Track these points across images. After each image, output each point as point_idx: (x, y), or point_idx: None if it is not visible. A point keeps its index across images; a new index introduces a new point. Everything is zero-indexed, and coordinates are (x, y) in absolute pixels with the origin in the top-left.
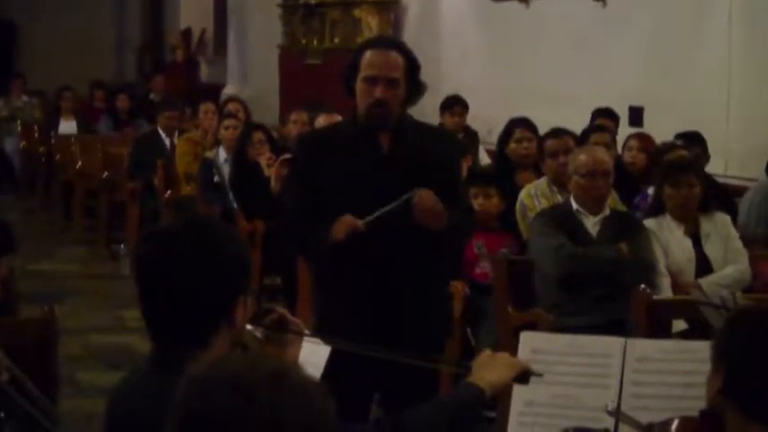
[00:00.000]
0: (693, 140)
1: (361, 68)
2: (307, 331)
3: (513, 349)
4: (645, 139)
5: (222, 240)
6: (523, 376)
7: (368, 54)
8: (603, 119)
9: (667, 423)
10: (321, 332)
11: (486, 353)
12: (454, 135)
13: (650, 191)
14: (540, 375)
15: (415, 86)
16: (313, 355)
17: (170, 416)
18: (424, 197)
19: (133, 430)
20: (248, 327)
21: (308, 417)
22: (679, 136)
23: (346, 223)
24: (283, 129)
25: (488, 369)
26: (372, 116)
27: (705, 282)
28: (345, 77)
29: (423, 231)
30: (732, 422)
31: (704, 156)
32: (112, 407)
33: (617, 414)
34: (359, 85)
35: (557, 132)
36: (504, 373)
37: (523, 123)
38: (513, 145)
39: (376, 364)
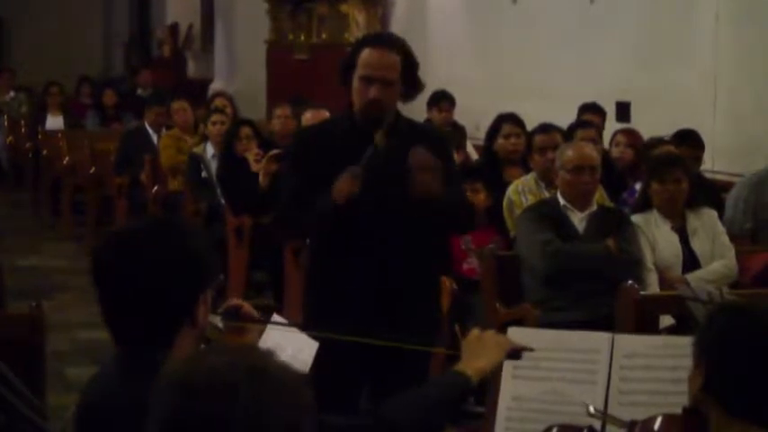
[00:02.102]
0: (690, 141)
1: (359, 66)
2: (263, 318)
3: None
4: (632, 135)
5: (180, 240)
6: (514, 353)
7: (366, 52)
8: (590, 114)
9: (651, 420)
10: (313, 327)
11: (474, 333)
12: (446, 134)
13: (638, 186)
14: (531, 350)
15: (412, 84)
16: (301, 352)
17: (150, 417)
18: (419, 153)
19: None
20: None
21: (292, 411)
22: (676, 135)
23: (344, 182)
24: (268, 124)
25: (477, 355)
26: (367, 115)
27: (692, 277)
28: (342, 70)
29: (417, 226)
30: (714, 419)
31: (701, 153)
32: (83, 412)
33: (604, 416)
34: (355, 83)
35: (545, 128)
36: (494, 356)
37: (511, 119)
38: (500, 140)
39: (364, 360)
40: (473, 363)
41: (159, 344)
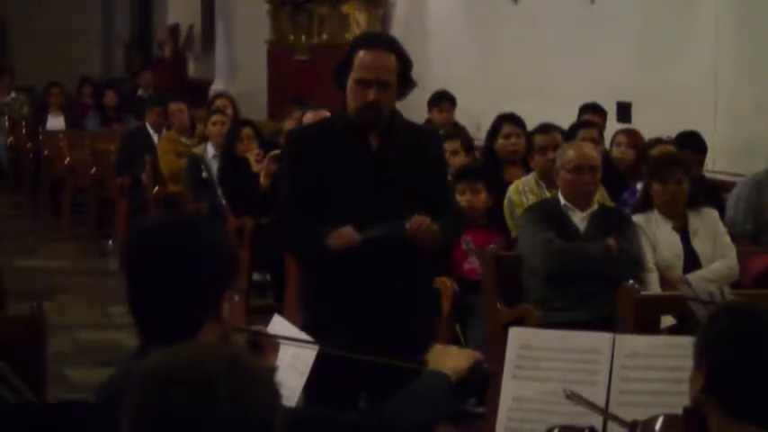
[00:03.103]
0: (693, 144)
1: (355, 68)
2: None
3: (502, 345)
4: (633, 135)
5: (208, 236)
6: (477, 366)
7: (361, 54)
8: (591, 114)
9: (652, 421)
10: (309, 332)
11: (438, 346)
12: (439, 134)
13: (639, 186)
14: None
15: (405, 83)
16: (302, 352)
17: (124, 413)
18: (418, 224)
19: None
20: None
21: (267, 401)
22: (679, 138)
23: (345, 235)
24: (282, 124)
25: (446, 358)
26: (364, 117)
27: (693, 277)
28: (337, 72)
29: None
30: (714, 419)
31: (703, 157)
32: (98, 399)
33: (605, 414)
34: (351, 85)
35: (545, 128)
36: (463, 361)
37: (511, 119)
38: (500, 141)
39: (362, 365)
40: (445, 363)
41: (181, 338)
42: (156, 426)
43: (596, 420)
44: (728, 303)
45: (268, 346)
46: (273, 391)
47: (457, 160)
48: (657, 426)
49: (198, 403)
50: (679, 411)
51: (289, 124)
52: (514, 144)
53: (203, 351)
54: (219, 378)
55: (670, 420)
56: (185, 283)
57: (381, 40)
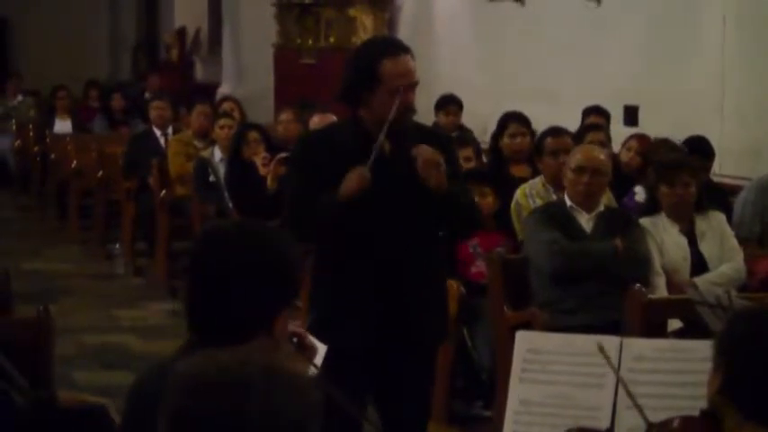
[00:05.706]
0: (701, 149)
1: (387, 79)
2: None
3: (508, 348)
4: (645, 141)
5: (279, 252)
6: None
7: (389, 64)
8: (594, 117)
9: (667, 422)
10: (320, 330)
11: None
12: (450, 135)
13: (637, 189)
14: None
15: None
16: None
17: (160, 413)
18: (423, 149)
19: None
20: None
21: (302, 410)
22: (686, 143)
23: (355, 178)
24: (275, 128)
25: None
26: (405, 121)
27: (700, 280)
28: (356, 85)
29: (426, 226)
30: (729, 421)
31: (710, 163)
32: (136, 388)
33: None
34: (384, 95)
35: (557, 131)
36: None
37: (517, 118)
38: (506, 140)
39: (370, 365)
40: None
41: (232, 344)
42: (189, 428)
43: (606, 422)
44: (749, 307)
45: (309, 349)
46: (309, 400)
47: (469, 167)
48: (673, 427)
49: (232, 409)
50: (686, 414)
51: (279, 128)
52: (520, 144)
53: (240, 358)
54: (255, 385)
55: (685, 421)
56: (249, 297)
57: (400, 45)
